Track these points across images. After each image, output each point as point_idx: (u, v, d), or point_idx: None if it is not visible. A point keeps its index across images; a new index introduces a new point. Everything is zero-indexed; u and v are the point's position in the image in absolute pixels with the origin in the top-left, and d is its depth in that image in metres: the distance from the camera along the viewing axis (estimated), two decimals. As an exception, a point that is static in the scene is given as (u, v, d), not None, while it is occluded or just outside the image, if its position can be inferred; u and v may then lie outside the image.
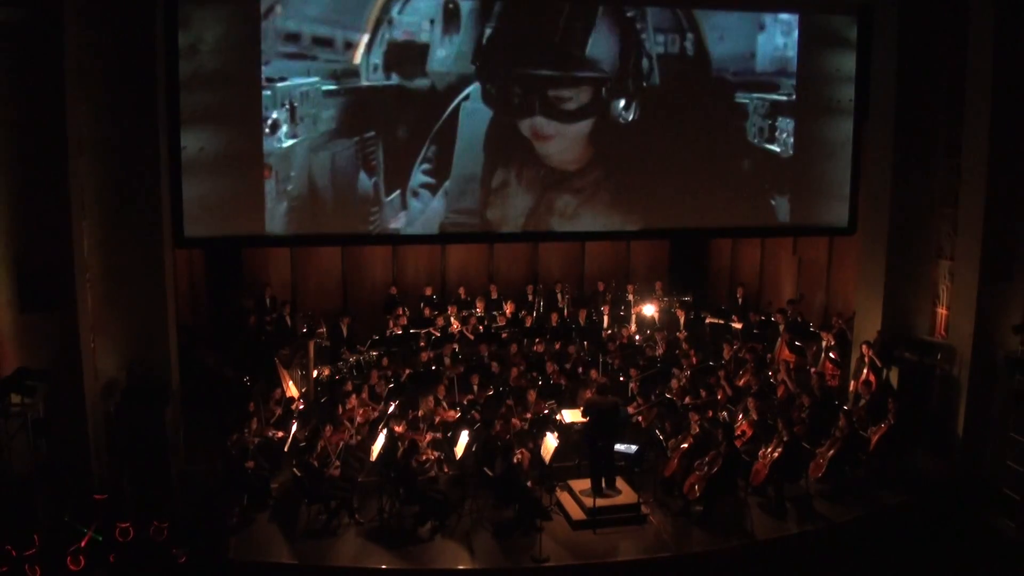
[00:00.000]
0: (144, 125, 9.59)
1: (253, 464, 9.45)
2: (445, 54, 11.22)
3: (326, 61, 10.86)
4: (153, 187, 9.72)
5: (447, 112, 11.35)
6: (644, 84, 11.82)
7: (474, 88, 11.38)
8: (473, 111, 11.41)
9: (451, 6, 11.14)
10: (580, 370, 11.81)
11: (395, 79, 11.12)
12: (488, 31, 11.29)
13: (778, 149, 12.35)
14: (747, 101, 12.15)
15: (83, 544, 7.54)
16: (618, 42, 11.67)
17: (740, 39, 12.00)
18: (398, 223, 11.49)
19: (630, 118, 11.89)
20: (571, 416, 10.30)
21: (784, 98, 12.24)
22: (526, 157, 11.72)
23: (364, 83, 11.04)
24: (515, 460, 9.28)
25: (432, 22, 11.12)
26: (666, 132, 12.04)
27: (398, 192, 11.40)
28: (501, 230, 11.96)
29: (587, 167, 11.94)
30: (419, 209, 11.50)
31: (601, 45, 11.64)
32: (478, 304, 13.52)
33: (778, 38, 12.15)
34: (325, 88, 10.89)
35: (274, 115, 10.74)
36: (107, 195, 9.44)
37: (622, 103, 11.84)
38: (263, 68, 10.63)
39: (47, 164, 8.41)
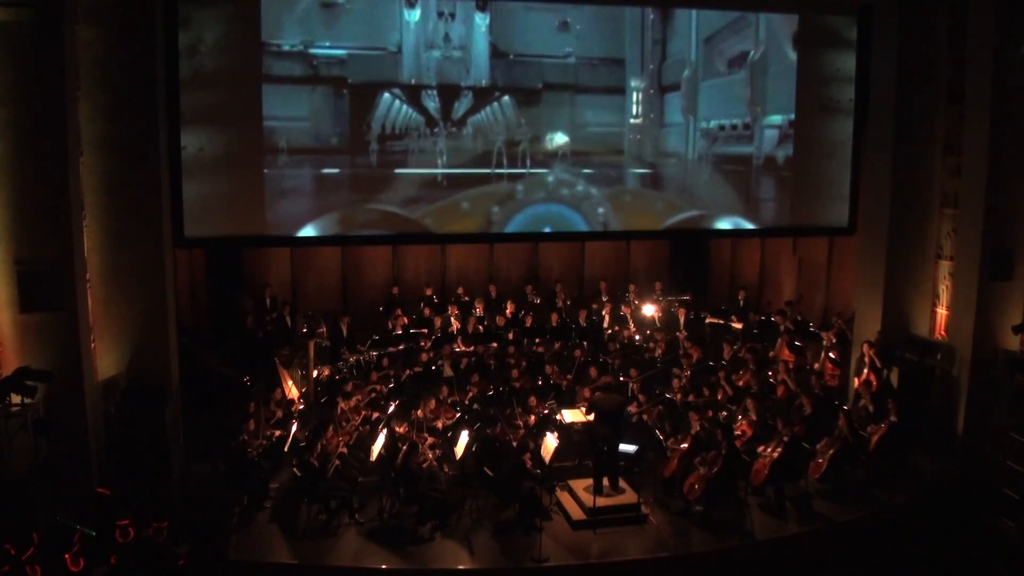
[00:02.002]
0: (144, 125, 9.59)
1: (256, 455, 9.48)
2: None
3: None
4: (153, 187, 9.72)
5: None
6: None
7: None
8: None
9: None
10: (581, 373, 11.81)
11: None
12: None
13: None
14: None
15: (76, 540, 7.53)
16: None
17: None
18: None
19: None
20: (571, 416, 10.30)
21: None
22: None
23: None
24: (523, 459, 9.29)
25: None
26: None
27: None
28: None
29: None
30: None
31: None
32: (478, 304, 13.51)
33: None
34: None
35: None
36: (107, 195, 9.43)
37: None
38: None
39: (47, 164, 8.40)
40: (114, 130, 9.38)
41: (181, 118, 10.34)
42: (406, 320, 12.89)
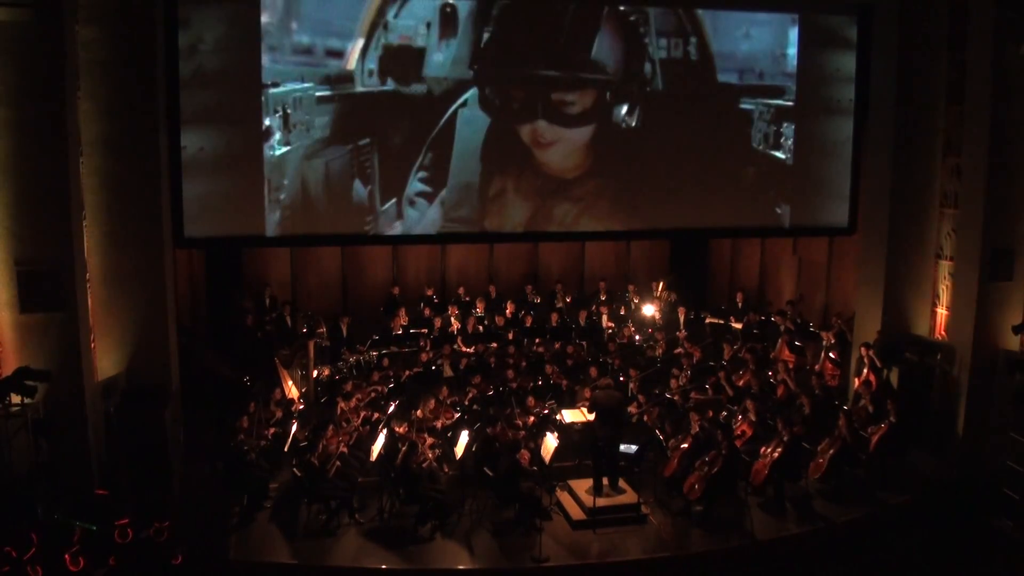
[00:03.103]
0: (144, 125, 9.60)
1: (253, 454, 9.48)
2: (442, 59, 11.16)
3: (319, 66, 10.81)
4: (153, 187, 9.73)
5: (444, 118, 11.32)
6: (647, 89, 11.83)
7: (472, 94, 11.35)
8: (471, 118, 11.39)
9: (448, 9, 11.08)
10: (581, 373, 11.80)
11: (391, 85, 11.07)
12: (487, 34, 11.22)
13: (782, 155, 12.37)
14: (752, 107, 12.16)
15: (75, 540, 7.53)
16: (622, 46, 11.62)
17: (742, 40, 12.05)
18: (394, 231, 11.49)
19: (632, 124, 11.87)
20: (571, 416, 10.29)
21: (788, 103, 12.25)
22: (524, 164, 11.68)
23: (359, 89, 10.97)
24: (518, 458, 9.28)
25: (429, 25, 11.06)
26: (668, 137, 12.05)
27: (394, 201, 11.36)
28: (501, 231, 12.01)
29: (586, 174, 11.93)
30: (415, 218, 11.48)
31: (604, 48, 11.58)
32: (478, 304, 13.52)
33: (782, 38, 12.19)
34: (319, 94, 10.83)
35: (267, 122, 10.68)
36: (107, 195, 9.44)
37: (624, 108, 11.82)
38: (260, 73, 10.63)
39: (47, 164, 8.41)
40: (114, 130, 9.39)
41: (181, 118, 10.33)
42: (406, 320, 12.89)
